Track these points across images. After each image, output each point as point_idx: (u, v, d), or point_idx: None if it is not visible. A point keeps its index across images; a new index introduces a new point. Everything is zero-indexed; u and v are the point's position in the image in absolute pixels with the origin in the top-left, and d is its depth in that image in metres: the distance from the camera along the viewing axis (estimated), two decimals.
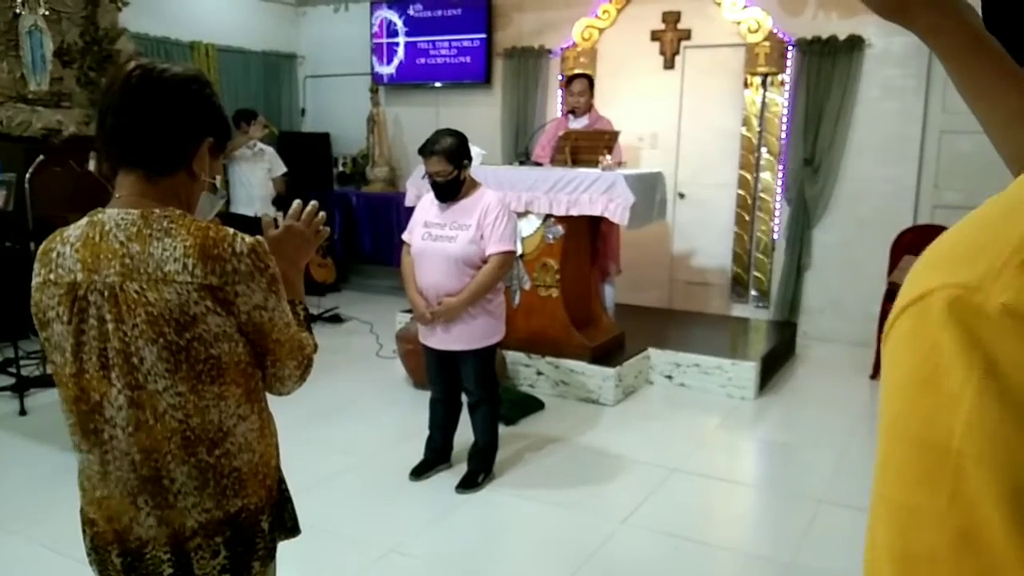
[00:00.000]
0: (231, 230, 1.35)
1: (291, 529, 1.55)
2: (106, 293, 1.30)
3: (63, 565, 2.80)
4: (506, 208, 3.41)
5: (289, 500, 1.56)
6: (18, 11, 5.59)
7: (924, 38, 0.73)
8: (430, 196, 3.47)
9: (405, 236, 3.55)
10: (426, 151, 3.31)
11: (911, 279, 0.40)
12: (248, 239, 1.35)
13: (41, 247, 1.38)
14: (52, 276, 1.34)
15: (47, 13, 5.75)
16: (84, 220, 1.36)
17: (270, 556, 1.48)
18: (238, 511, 1.40)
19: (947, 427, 0.36)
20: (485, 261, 3.34)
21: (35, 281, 1.37)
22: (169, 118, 1.34)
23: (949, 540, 0.35)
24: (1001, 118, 0.69)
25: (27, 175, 4.47)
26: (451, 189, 3.35)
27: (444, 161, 3.28)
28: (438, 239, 3.37)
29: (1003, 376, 0.35)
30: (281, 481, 1.54)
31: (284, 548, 1.55)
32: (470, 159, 3.39)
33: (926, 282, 0.39)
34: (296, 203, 1.64)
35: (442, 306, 3.34)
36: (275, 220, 1.66)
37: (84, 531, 1.45)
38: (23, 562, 2.95)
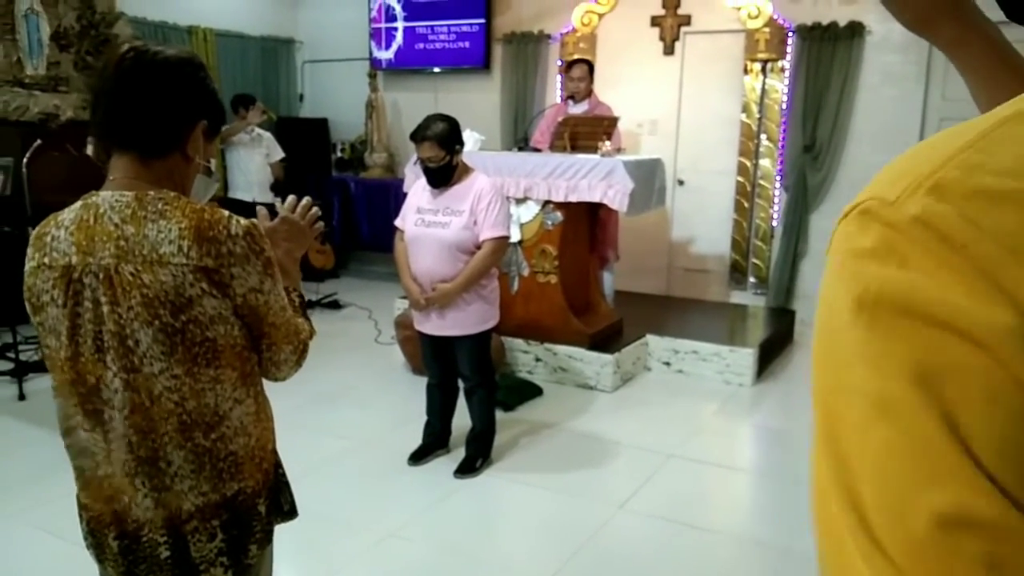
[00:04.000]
0: (226, 212, 1.35)
1: (288, 512, 1.56)
2: (101, 275, 1.30)
3: (62, 548, 2.81)
4: (499, 193, 3.40)
5: (286, 484, 1.56)
6: None
7: (946, 50, 0.73)
8: (422, 182, 3.45)
9: (398, 222, 3.55)
10: (417, 137, 3.29)
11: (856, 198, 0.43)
12: (243, 221, 1.35)
13: (35, 231, 1.38)
14: (46, 260, 1.33)
15: None
16: (78, 203, 1.36)
17: (267, 539, 1.48)
18: (235, 494, 1.40)
19: (839, 319, 0.39)
20: (479, 247, 3.34)
21: (29, 266, 1.36)
22: (162, 100, 1.34)
23: (865, 408, 0.38)
24: None
25: (24, 160, 4.46)
26: (443, 174, 3.34)
27: (436, 146, 3.26)
28: (431, 225, 3.37)
29: (898, 287, 0.37)
30: (278, 465, 1.54)
31: (282, 531, 1.56)
32: (462, 144, 3.38)
33: (859, 198, 0.41)
34: (291, 198, 1.65)
35: (436, 292, 3.34)
36: (269, 210, 1.67)
37: (80, 516, 1.46)
38: (22, 545, 2.97)
